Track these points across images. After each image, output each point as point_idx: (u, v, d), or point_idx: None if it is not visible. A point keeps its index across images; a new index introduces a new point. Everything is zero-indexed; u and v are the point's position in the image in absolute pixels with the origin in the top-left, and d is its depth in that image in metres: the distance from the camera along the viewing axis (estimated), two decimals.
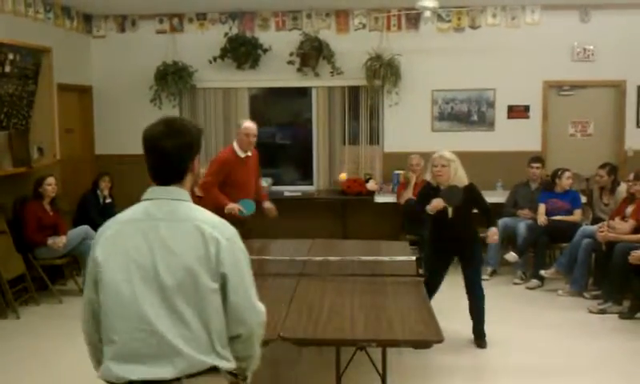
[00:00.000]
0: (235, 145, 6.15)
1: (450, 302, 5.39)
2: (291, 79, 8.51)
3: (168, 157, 2.21)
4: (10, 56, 6.55)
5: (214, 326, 2.11)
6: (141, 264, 2.10)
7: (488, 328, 5.29)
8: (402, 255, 4.83)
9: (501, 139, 8.31)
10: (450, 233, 5.18)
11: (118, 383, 2.09)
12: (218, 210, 5.01)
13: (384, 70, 8.18)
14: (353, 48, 8.25)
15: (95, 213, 7.59)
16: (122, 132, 8.62)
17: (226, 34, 8.41)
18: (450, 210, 5.09)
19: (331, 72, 8.34)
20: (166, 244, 2.11)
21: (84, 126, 8.74)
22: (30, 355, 5.26)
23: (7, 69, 6.52)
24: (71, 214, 7.68)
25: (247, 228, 5.56)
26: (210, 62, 8.45)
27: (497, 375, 4.74)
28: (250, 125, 6.17)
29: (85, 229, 6.95)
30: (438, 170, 5.07)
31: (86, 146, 8.77)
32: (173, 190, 2.22)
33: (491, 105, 8.39)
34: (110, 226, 2.22)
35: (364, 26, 8.43)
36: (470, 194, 5.20)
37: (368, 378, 4.13)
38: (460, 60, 8.28)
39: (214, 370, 2.11)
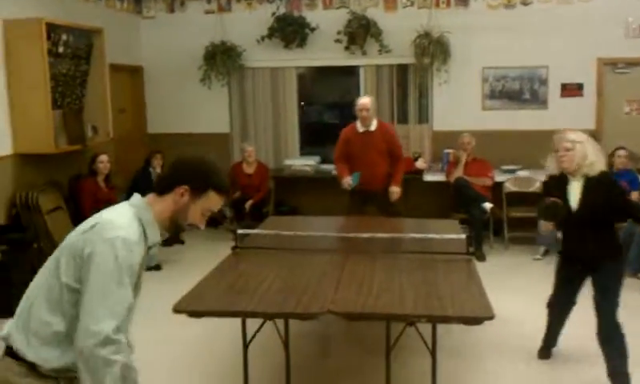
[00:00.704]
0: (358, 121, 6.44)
1: (499, 276, 5.33)
2: (339, 58, 8.48)
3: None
4: (64, 37, 6.69)
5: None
6: None
7: (539, 308, 5.19)
8: (452, 233, 4.77)
9: (554, 118, 8.11)
10: (575, 242, 4.15)
11: None
12: None
13: (433, 48, 8.07)
14: (401, 26, 8.16)
15: (148, 189, 7.72)
16: (173, 111, 8.77)
17: (274, 14, 8.42)
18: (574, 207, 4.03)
19: (379, 50, 8.27)
20: None
21: (136, 106, 8.89)
22: None
23: (61, 49, 6.66)
24: (125, 190, 7.84)
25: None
26: (258, 42, 8.48)
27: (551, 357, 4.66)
28: (360, 100, 6.44)
29: None
30: (560, 156, 4.03)
31: (139, 124, 8.93)
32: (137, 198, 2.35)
33: (544, 82, 8.21)
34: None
35: (412, 4, 8.33)
36: (602, 190, 3.96)
37: (417, 354, 4.14)
38: (511, 37, 8.10)
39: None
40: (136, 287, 2.20)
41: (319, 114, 9.41)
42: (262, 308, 3.50)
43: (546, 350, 4.62)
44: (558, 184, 4.12)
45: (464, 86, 8.29)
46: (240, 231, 4.78)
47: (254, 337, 3.97)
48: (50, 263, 2.20)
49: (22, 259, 5.71)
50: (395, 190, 6.42)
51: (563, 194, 4.04)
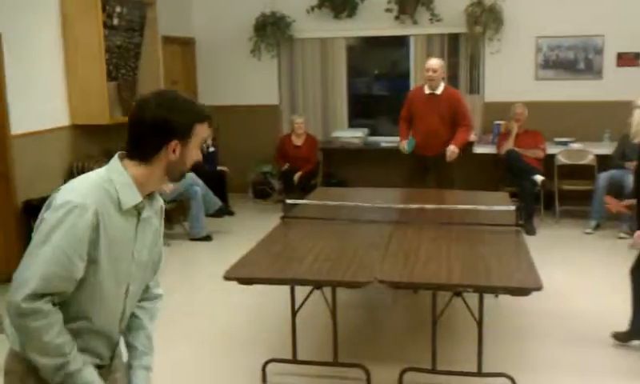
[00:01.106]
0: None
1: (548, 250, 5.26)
2: (389, 28, 8.40)
3: (134, 122, 1.99)
4: (118, 9, 6.82)
5: None
6: None
7: (590, 283, 5.14)
8: (502, 205, 4.73)
9: (609, 88, 7.90)
10: None
11: None
12: None
13: (485, 17, 7.94)
14: None
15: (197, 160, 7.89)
16: (224, 83, 8.86)
17: None
18: None
19: (430, 19, 8.17)
20: None
21: (188, 78, 9.01)
22: None
23: (115, 21, 6.80)
24: None
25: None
26: (308, 12, 8.47)
27: (593, 328, 4.61)
28: (429, 61, 6.51)
29: (191, 175, 7.21)
30: None
31: (191, 96, 9.04)
32: (113, 160, 2.02)
33: (599, 52, 7.98)
34: None
35: None
36: None
37: (464, 324, 4.16)
38: (566, 5, 7.89)
39: None
40: (118, 260, 1.95)
41: (368, 85, 9.37)
42: (311, 276, 3.56)
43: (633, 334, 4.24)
44: None
45: (517, 56, 8.13)
46: (288, 201, 4.84)
47: (302, 305, 4.05)
48: None
49: None
50: (452, 149, 6.32)
51: None
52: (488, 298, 4.60)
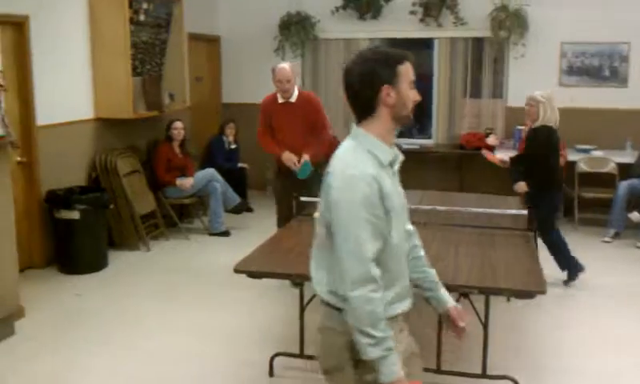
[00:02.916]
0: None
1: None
2: (413, 30, 8.42)
3: (346, 91, 2.15)
4: (144, 5, 6.93)
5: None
6: None
7: (609, 289, 5.12)
8: (514, 209, 4.74)
9: (633, 96, 7.83)
10: None
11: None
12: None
13: (510, 21, 7.92)
14: None
15: (221, 157, 8.04)
16: (248, 81, 8.95)
17: None
18: None
19: (454, 22, 8.18)
20: None
21: (212, 75, 9.14)
22: (160, 285, 5.71)
23: (142, 17, 6.92)
24: (199, 157, 8.13)
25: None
26: (333, 13, 8.53)
27: (604, 333, 4.60)
28: (279, 69, 5.31)
29: (211, 172, 7.34)
30: None
31: (214, 93, 9.18)
32: (353, 129, 2.19)
33: (625, 59, 7.90)
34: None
35: None
36: None
37: (470, 326, 4.15)
38: (592, 11, 7.83)
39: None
40: (396, 210, 2.13)
41: None
42: None
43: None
44: None
45: (541, 61, 8.09)
46: (303, 199, 4.89)
47: (310, 301, 4.10)
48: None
49: (97, 219, 6.04)
50: (305, 158, 5.32)
51: None
52: (499, 302, 4.63)
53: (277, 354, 4.08)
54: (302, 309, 4.06)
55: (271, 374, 4.03)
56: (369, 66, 2.09)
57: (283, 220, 5.22)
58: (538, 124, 5.47)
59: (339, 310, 2.14)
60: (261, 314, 4.98)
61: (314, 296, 4.08)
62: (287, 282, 5.09)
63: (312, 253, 2.29)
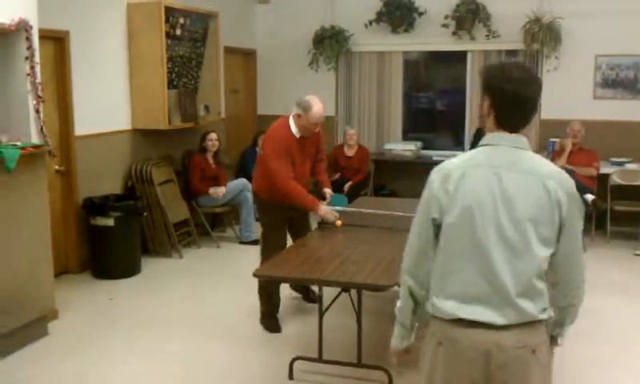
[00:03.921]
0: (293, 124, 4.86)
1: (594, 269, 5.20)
2: (446, 43, 8.47)
3: (524, 104, 2.16)
4: (181, 20, 7.16)
5: (538, 280, 2.12)
6: (484, 211, 2.10)
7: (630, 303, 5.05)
8: None
9: None
10: None
11: (446, 318, 2.16)
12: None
13: (543, 34, 7.89)
14: (510, 10, 8.02)
15: (253, 168, 8.16)
16: (282, 94, 9.07)
17: None
18: None
19: (487, 35, 8.20)
20: (508, 195, 2.09)
21: (248, 88, 9.33)
22: (190, 291, 5.87)
23: (178, 32, 7.14)
24: (233, 168, 8.30)
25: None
26: (366, 26, 8.64)
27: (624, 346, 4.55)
28: (317, 112, 4.78)
29: (243, 181, 7.49)
30: None
31: (249, 105, 9.37)
32: (515, 138, 2.16)
33: None
34: (459, 166, 2.18)
35: None
36: None
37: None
38: (627, 23, 7.74)
39: (537, 322, 2.13)
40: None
41: (428, 101, 9.44)
42: (335, 277, 3.69)
43: None
44: None
45: (575, 74, 8.04)
46: (325, 207, 4.97)
47: (329, 306, 4.19)
48: None
49: (132, 226, 6.24)
50: (329, 192, 5.19)
51: None
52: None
53: (296, 358, 4.18)
54: (322, 313, 4.14)
55: (290, 377, 4.12)
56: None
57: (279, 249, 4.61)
58: None
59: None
60: (282, 318, 5.05)
61: (333, 301, 4.19)
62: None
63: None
